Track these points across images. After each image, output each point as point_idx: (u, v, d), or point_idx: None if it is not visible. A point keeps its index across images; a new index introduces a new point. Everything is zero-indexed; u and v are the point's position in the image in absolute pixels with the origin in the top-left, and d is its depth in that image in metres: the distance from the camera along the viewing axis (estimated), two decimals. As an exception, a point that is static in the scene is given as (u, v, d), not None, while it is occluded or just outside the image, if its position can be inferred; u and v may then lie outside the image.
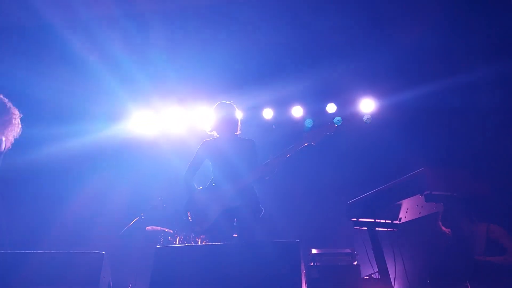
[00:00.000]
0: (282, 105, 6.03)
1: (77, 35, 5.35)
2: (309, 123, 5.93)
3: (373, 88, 5.72)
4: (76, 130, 5.81)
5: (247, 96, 5.86)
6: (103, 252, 2.25)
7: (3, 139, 3.14)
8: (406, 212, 2.93)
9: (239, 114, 3.75)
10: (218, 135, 3.57)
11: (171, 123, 6.27)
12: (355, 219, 3.04)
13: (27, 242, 5.06)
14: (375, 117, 5.79)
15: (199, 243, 5.02)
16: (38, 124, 5.86)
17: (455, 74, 5.01)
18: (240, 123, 3.62)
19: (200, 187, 3.45)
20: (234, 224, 3.36)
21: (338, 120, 5.68)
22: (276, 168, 3.20)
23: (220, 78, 5.65)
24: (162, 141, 6.29)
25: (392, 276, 2.88)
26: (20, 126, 3.30)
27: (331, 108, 5.90)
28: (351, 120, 3.48)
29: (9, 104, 3.30)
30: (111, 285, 2.44)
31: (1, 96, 3.30)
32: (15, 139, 3.29)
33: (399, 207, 2.91)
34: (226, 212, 3.16)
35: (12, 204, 5.65)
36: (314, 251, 4.30)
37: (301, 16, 5.13)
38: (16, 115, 3.30)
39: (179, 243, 5.00)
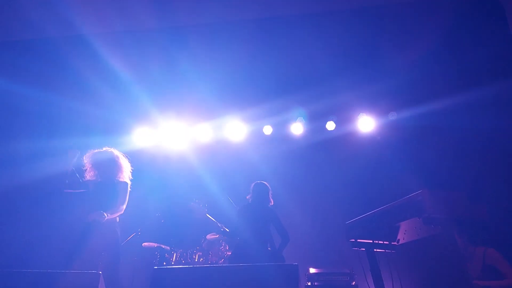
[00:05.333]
0: (282, 121, 6.08)
1: (77, 50, 5.42)
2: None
3: (372, 107, 5.78)
4: (75, 143, 5.81)
5: (246, 112, 5.92)
6: (100, 272, 2.23)
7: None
8: (404, 234, 2.92)
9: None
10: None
11: (170, 138, 6.29)
12: (353, 240, 3.03)
13: (21, 259, 4.99)
14: (373, 136, 5.83)
15: (196, 259, 4.99)
16: (38, 137, 5.88)
17: (453, 94, 5.08)
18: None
19: None
20: None
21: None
22: None
23: (220, 94, 5.70)
24: (161, 156, 6.29)
25: (390, 298, 2.86)
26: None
27: (330, 125, 5.95)
28: None
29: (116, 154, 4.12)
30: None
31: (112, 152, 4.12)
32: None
33: (397, 229, 2.90)
34: None
35: (9, 219, 5.59)
36: (312, 270, 4.28)
37: (302, 36, 5.22)
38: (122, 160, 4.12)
39: (175, 260, 4.97)
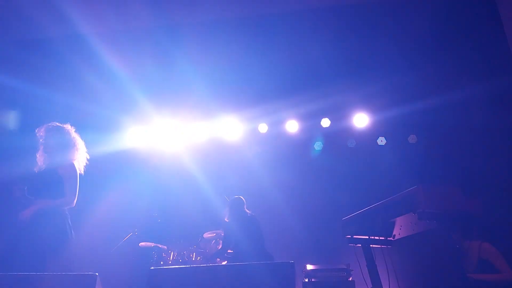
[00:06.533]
0: (277, 119, 6.08)
1: (73, 47, 5.38)
2: (318, 146, 5.99)
3: (367, 105, 5.79)
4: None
5: (242, 111, 5.92)
6: (97, 274, 2.22)
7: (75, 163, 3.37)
8: (400, 229, 2.93)
9: None
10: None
11: (165, 137, 6.27)
12: (350, 236, 3.04)
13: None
14: (369, 133, 5.85)
15: (193, 259, 4.99)
16: (32, 134, 5.82)
17: (447, 92, 5.11)
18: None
19: None
20: None
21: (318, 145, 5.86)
22: None
23: (216, 93, 5.68)
24: (156, 156, 6.27)
25: (386, 293, 2.88)
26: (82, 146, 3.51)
27: (325, 122, 5.96)
28: None
29: (67, 128, 3.46)
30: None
31: (58, 124, 3.45)
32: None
33: (393, 224, 2.92)
34: None
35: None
36: (309, 267, 4.29)
37: (298, 35, 5.21)
38: (75, 137, 3.48)
39: (172, 259, 4.96)
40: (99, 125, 5.97)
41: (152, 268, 2.23)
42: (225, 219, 4.77)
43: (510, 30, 4.62)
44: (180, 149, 6.26)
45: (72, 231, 3.23)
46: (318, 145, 5.92)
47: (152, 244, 5.15)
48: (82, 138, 3.64)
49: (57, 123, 3.45)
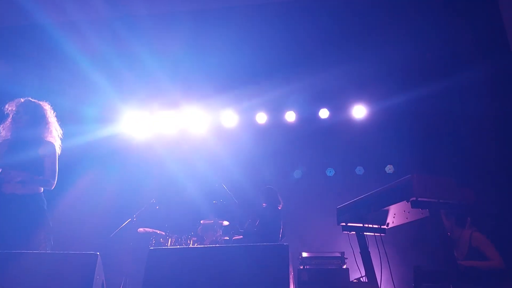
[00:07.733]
0: (275, 110, 6.10)
1: (69, 36, 5.36)
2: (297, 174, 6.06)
3: (363, 94, 5.81)
4: (67, 131, 5.77)
5: (240, 101, 5.94)
6: (98, 253, 2.28)
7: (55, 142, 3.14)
8: (394, 217, 2.99)
9: None
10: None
11: (163, 125, 6.30)
12: (344, 224, 3.11)
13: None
14: (365, 123, 5.88)
15: (191, 245, 5.07)
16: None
17: (442, 80, 5.12)
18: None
19: None
20: None
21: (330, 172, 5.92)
22: None
23: (213, 82, 5.70)
24: (154, 143, 6.31)
25: (379, 279, 2.96)
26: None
27: (323, 113, 5.99)
28: None
29: (42, 104, 3.21)
30: (105, 286, 2.47)
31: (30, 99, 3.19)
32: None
33: (386, 213, 2.97)
34: None
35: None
36: (304, 254, 4.37)
37: (294, 24, 5.20)
38: (50, 115, 3.21)
39: (171, 245, 5.03)
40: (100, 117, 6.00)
41: (151, 248, 2.29)
42: (263, 204, 5.12)
43: (506, 15, 4.61)
44: (179, 137, 6.30)
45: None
46: (297, 173, 6.02)
47: (151, 230, 5.22)
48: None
49: (32, 99, 3.20)
